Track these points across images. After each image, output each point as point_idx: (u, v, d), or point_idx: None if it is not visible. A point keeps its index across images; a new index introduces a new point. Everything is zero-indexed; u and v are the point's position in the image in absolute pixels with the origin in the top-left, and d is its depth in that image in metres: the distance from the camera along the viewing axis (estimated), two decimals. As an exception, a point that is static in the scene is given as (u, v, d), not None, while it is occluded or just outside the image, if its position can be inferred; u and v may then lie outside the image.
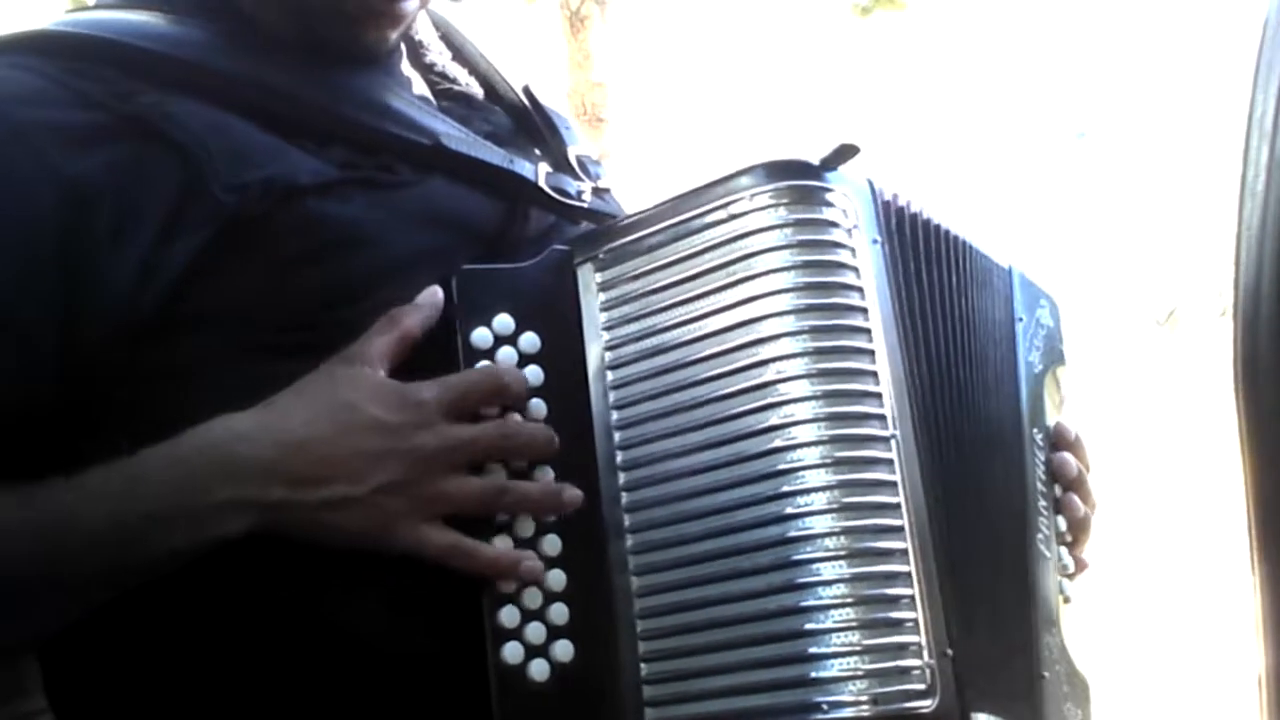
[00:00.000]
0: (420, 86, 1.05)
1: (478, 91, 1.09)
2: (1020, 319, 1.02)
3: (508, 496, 0.86)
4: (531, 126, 1.09)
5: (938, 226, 0.95)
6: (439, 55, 1.09)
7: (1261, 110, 0.69)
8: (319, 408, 0.84)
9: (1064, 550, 1.03)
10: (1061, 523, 1.03)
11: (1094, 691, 1.01)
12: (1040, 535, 0.98)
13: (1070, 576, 1.03)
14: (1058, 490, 1.03)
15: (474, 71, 1.11)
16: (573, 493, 0.86)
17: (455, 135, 0.97)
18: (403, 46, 1.06)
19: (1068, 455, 1.04)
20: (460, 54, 1.11)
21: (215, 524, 0.82)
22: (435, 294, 0.88)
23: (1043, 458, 1.01)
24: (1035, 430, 1.01)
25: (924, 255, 0.93)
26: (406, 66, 1.05)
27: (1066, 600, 1.01)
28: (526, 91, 1.11)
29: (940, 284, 0.93)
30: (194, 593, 0.85)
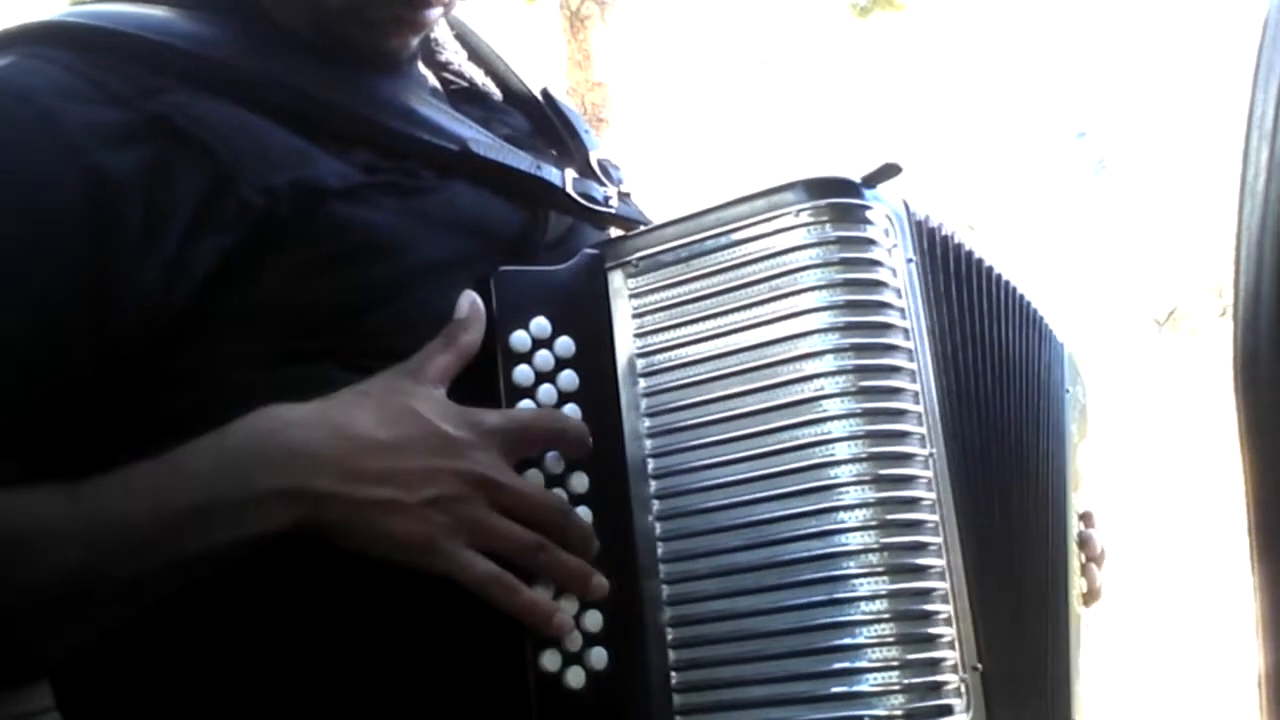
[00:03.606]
0: (435, 86, 1.04)
1: (495, 92, 1.08)
2: (1068, 390, 1.06)
3: (544, 555, 0.83)
4: (549, 129, 1.08)
5: (969, 252, 0.96)
6: (454, 55, 1.08)
7: (1261, 110, 0.69)
8: (386, 411, 0.82)
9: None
10: (1084, 584, 1.08)
11: (1095, 697, 1.04)
12: (1073, 589, 1.02)
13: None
14: (1082, 557, 1.08)
15: (490, 72, 1.09)
16: (600, 581, 0.85)
17: (482, 140, 0.97)
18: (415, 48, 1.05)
19: (1093, 533, 1.09)
20: (476, 54, 1.10)
21: (257, 517, 0.79)
22: (477, 304, 0.87)
23: (1078, 524, 1.06)
24: (1072, 491, 1.05)
25: (953, 275, 0.94)
26: (422, 66, 1.05)
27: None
28: (544, 93, 1.10)
29: (969, 306, 0.94)
30: (215, 593, 0.83)
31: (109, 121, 0.84)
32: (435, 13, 0.95)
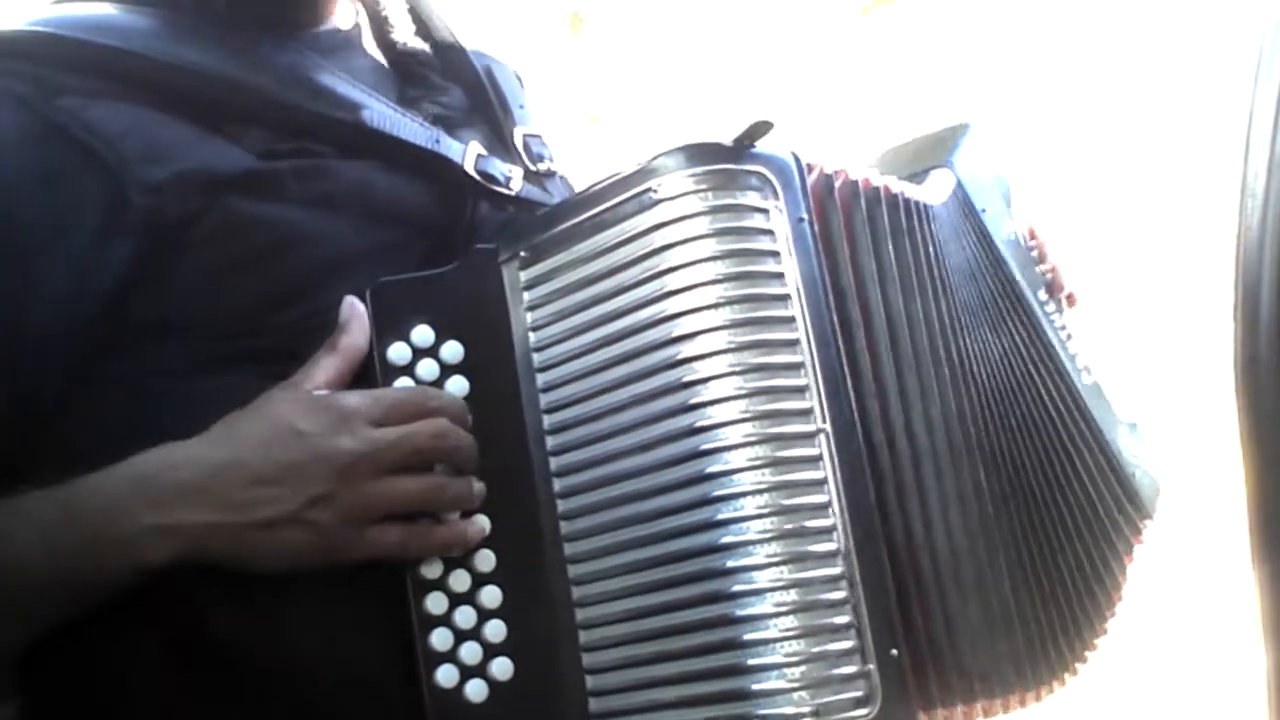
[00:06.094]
0: (383, 66, 1.02)
1: (436, 68, 1.05)
2: (983, 210, 0.99)
3: (445, 492, 0.83)
4: (485, 103, 1.05)
5: (874, 187, 0.90)
6: (402, 32, 1.05)
7: (1262, 110, 0.69)
8: (247, 429, 0.82)
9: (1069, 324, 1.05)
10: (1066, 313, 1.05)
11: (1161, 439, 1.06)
12: (1082, 373, 1.00)
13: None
14: (1061, 300, 1.05)
15: (435, 46, 1.07)
16: (480, 488, 0.85)
17: (381, 113, 0.93)
18: (364, 24, 1.03)
19: (1036, 244, 1.06)
20: (424, 28, 1.07)
21: (138, 552, 0.80)
22: (356, 305, 0.85)
23: (1051, 308, 1.01)
24: (1038, 291, 1.01)
25: (865, 219, 0.88)
26: (370, 44, 1.03)
27: (1096, 387, 1.02)
28: (486, 69, 1.07)
29: (878, 247, 0.88)
30: (135, 615, 0.83)
31: (14, 125, 0.84)
32: None
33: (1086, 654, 0.98)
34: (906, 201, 0.92)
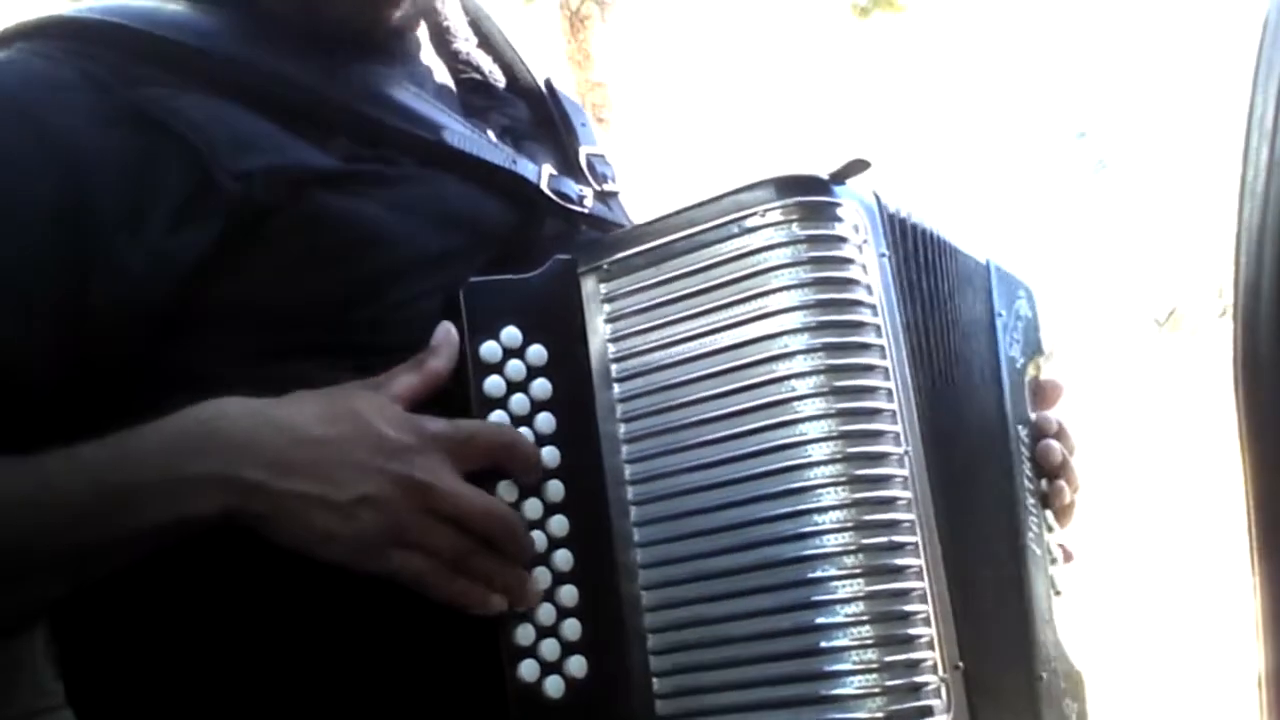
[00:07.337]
0: (443, 75, 1.04)
1: (500, 80, 1.08)
2: (1000, 314, 1.02)
3: (475, 559, 0.83)
4: (549, 119, 1.08)
5: (932, 234, 0.95)
6: (465, 43, 1.07)
7: (1261, 110, 0.69)
8: (329, 409, 0.82)
9: (1051, 541, 1.04)
10: (1050, 516, 1.04)
11: (1089, 683, 1.02)
12: (1030, 534, 0.99)
13: (1054, 561, 1.04)
14: (1044, 484, 1.04)
15: (498, 59, 1.09)
16: (535, 589, 0.84)
17: (460, 132, 0.96)
18: (424, 36, 1.05)
19: (1052, 443, 1.04)
20: (487, 41, 1.10)
21: (189, 500, 0.80)
22: (451, 333, 0.87)
23: (1027, 454, 1.02)
24: (1020, 426, 1.02)
25: (922, 264, 0.93)
26: (429, 55, 1.04)
27: (1057, 593, 1.02)
28: (548, 84, 1.10)
29: (935, 292, 0.94)
30: (201, 584, 0.84)
31: (91, 106, 0.85)
32: None
33: None
34: (950, 249, 0.97)
